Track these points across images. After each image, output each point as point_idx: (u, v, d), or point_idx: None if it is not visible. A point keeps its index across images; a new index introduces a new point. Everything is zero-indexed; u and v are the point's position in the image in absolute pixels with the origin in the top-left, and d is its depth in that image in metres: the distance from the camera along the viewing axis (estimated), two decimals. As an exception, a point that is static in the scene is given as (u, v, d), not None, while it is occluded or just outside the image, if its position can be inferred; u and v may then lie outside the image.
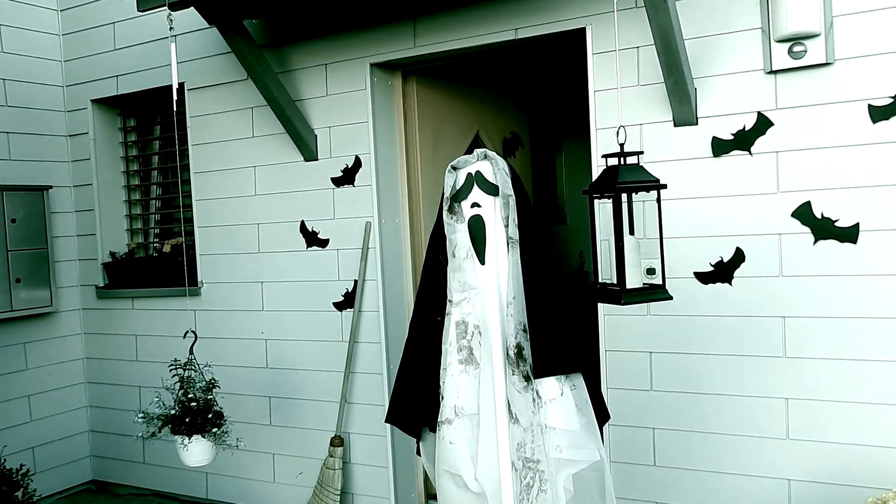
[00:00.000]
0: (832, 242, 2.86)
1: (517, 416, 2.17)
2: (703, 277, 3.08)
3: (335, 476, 3.80)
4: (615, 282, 2.28)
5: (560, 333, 2.21)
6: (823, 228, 2.87)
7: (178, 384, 3.24)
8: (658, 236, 2.32)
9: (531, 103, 5.05)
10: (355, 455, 3.94)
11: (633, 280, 2.29)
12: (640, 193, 2.39)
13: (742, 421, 3.05)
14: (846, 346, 2.86)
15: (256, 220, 4.16)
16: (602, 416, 2.34)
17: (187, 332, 3.34)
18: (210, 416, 3.29)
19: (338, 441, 3.85)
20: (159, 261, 4.60)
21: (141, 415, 3.24)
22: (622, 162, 2.27)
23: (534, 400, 2.17)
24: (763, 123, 2.95)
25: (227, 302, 4.29)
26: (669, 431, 3.19)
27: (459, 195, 2.27)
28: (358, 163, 3.83)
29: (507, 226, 2.24)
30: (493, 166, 2.26)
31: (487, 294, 2.24)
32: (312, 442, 4.04)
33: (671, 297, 2.29)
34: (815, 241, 2.89)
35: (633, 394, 3.25)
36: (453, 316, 2.29)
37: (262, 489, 4.24)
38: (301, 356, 4.08)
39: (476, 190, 2.26)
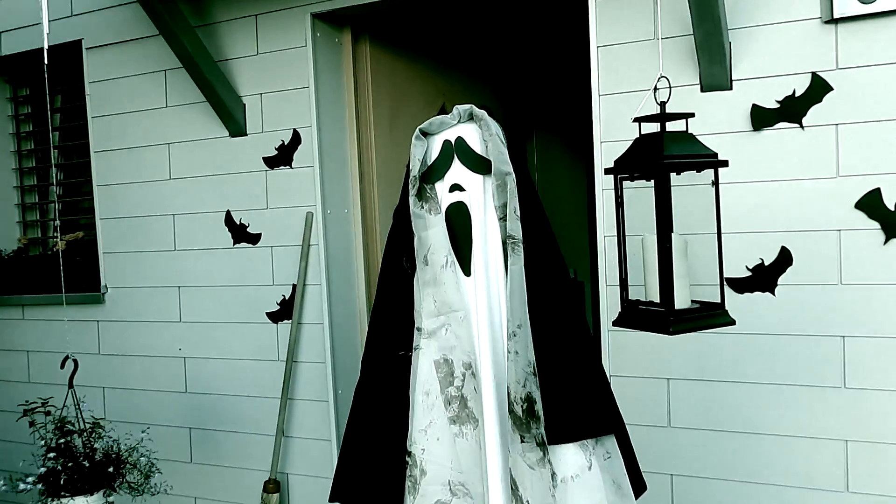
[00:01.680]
0: (910, 241, 2.22)
1: (528, 501, 1.46)
2: (738, 284, 2.41)
3: (270, 530, 3.05)
4: (656, 300, 1.59)
5: (585, 378, 1.51)
6: (898, 223, 2.23)
7: (46, 433, 2.45)
8: (716, 236, 1.64)
9: (503, 87, 4.35)
10: (296, 502, 3.20)
11: (683, 298, 1.61)
12: (682, 174, 1.71)
13: (786, 468, 2.40)
14: (926, 375, 2.23)
15: (172, 210, 3.37)
16: (638, 485, 1.66)
17: (65, 358, 2.55)
18: (110, 467, 2.51)
19: (273, 486, 3.10)
20: (55, 260, 3.76)
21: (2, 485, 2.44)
22: (664, 128, 1.58)
23: (553, 476, 1.47)
24: (819, 88, 2.28)
25: (137, 311, 3.50)
26: (691, 479, 2.53)
27: (433, 173, 1.56)
28: (296, 138, 3.08)
29: (503, 218, 1.54)
30: (482, 131, 1.55)
31: (477, 319, 1.53)
32: (243, 484, 3.28)
33: (734, 322, 1.61)
34: (887, 240, 2.24)
35: (646, 431, 2.56)
36: (427, 352, 1.57)
37: (182, 539, 3.47)
38: (228, 378, 3.31)
39: (457, 166, 1.55)
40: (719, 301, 1.63)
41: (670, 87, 1.60)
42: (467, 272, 1.55)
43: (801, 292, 2.35)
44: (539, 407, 1.46)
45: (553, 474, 1.47)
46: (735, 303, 2.42)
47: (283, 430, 3.15)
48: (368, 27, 3.22)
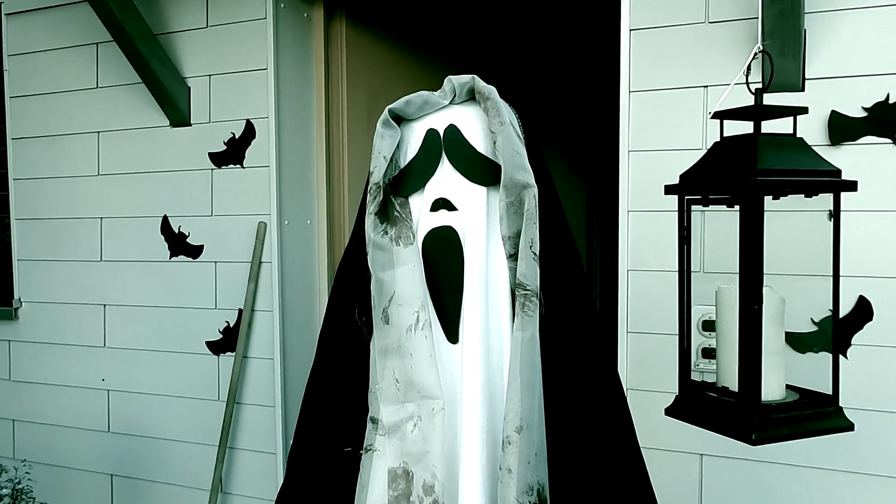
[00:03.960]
0: None
1: None
2: (800, 342, 1.87)
3: None
4: (733, 387, 1.06)
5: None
6: None
7: None
8: (831, 289, 1.10)
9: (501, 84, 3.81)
10: (232, 573, 2.63)
11: (773, 384, 1.08)
12: (786, 197, 1.17)
13: (854, 580, 1.86)
14: None
15: (99, 212, 2.79)
16: None
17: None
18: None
19: (203, 555, 2.53)
20: (-36, 264, 3.18)
21: None
22: (759, 129, 1.05)
23: None
24: (921, 92, 1.76)
25: (55, 331, 2.91)
26: (728, 585, 1.98)
27: (408, 180, 1.02)
28: (250, 131, 2.51)
29: (513, 256, 0.98)
30: (488, 117, 1.00)
31: (465, 414, 0.98)
32: (170, 547, 2.71)
33: (853, 427, 1.07)
34: None
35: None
36: (382, 456, 1.01)
37: None
38: (158, 418, 2.73)
39: (447, 170, 1.01)
40: (830, 392, 1.09)
41: (770, 60, 1.06)
42: (452, 338, 1.00)
43: (883, 355, 1.82)
44: None
45: None
46: (795, 364, 1.89)
47: (220, 486, 2.58)
48: (346, 2, 2.68)
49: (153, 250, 2.69)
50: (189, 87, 2.59)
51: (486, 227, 1.00)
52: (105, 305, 2.81)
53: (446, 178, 1.01)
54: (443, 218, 1.00)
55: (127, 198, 2.73)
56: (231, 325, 2.59)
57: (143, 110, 2.66)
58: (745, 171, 0.99)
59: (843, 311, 1.85)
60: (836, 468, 1.87)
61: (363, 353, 1.04)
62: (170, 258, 2.67)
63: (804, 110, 1.05)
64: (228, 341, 2.59)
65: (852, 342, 1.85)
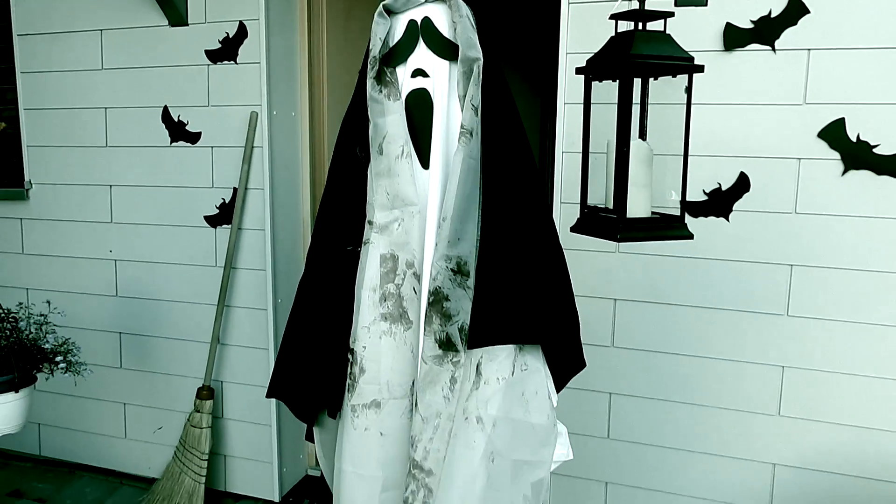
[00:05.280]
0: (866, 174, 2.21)
1: (417, 395, 1.42)
2: (694, 209, 2.38)
3: (202, 437, 2.97)
4: (611, 207, 1.54)
5: (521, 280, 1.44)
6: (857, 156, 2.21)
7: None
8: (682, 146, 1.58)
9: None
10: (230, 409, 3.12)
11: (639, 206, 1.55)
12: (659, 79, 1.64)
13: (727, 390, 2.43)
14: (867, 308, 2.25)
15: (104, 102, 3.14)
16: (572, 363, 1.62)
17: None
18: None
19: (206, 393, 3.01)
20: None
21: None
22: (641, 26, 1.49)
23: (453, 380, 1.41)
24: (795, 9, 2.22)
25: (65, 210, 3.29)
26: (632, 399, 2.54)
27: (395, 56, 1.45)
28: (242, 32, 2.87)
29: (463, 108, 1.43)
30: (451, 12, 1.43)
31: (431, 216, 1.44)
32: (175, 391, 3.19)
33: (692, 236, 1.57)
34: (845, 171, 2.23)
35: (589, 350, 2.55)
36: (376, 246, 1.49)
37: (111, 447, 3.37)
38: (161, 283, 3.17)
39: (422, 49, 1.44)
40: (679, 214, 1.58)
41: (651, -13, 1.49)
42: (425, 164, 1.45)
43: (755, 219, 2.34)
44: (453, 306, 1.38)
45: (479, 375, 1.42)
46: (690, 227, 2.40)
47: (218, 338, 3.05)
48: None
49: (155, 137, 3.07)
50: (186, -9, 2.92)
51: (449, 89, 1.44)
52: (111, 186, 3.19)
53: (422, 55, 1.44)
54: (419, 82, 1.44)
55: (130, 90, 3.08)
56: (226, 202, 3.00)
57: (145, 11, 2.99)
58: (624, 56, 1.44)
59: (727, 184, 2.35)
60: (721, 307, 2.41)
61: (361, 178, 1.49)
62: (170, 143, 3.05)
63: (671, 14, 1.50)
64: (225, 215, 3.01)
65: (733, 208, 2.36)
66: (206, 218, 3.04)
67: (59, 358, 2.38)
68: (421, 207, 1.44)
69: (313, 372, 1.57)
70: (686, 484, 2.52)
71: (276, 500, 3.10)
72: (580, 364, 1.65)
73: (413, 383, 1.47)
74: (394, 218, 1.46)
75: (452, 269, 1.40)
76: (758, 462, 2.43)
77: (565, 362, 1.61)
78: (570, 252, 2.49)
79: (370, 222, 1.48)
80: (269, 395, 1.65)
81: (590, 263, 2.50)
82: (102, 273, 3.26)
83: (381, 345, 1.47)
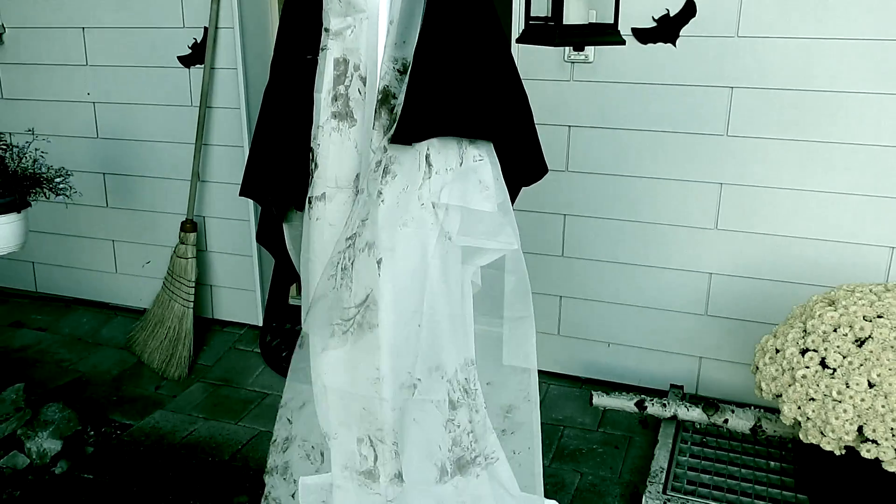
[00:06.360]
0: (804, -6, 2.33)
1: (365, 184, 1.59)
2: (643, 34, 2.50)
3: (187, 266, 3.19)
4: (549, 15, 1.67)
5: (462, 76, 1.56)
6: (797, -25, 2.32)
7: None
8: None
9: None
10: (212, 242, 3.33)
11: (576, 14, 1.69)
12: None
13: (671, 208, 2.65)
14: (802, 125, 2.43)
15: (70, -60, 3.15)
16: (535, 171, 1.78)
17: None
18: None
19: (190, 226, 3.21)
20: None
21: None
22: None
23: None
24: None
25: (40, 53, 3.35)
26: (583, 219, 2.76)
27: None
28: None
29: None
30: None
31: (382, 22, 1.57)
32: (160, 227, 3.38)
33: (624, 42, 1.72)
34: (785, -8, 2.34)
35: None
36: (331, 51, 1.62)
37: (103, 281, 3.60)
38: (140, 124, 3.29)
39: None
40: (612, 22, 1.71)
41: None
42: None
43: (699, 44, 2.47)
44: (396, 102, 1.50)
45: (429, 165, 1.57)
46: (638, 54, 2.54)
47: (198, 174, 3.21)
48: None
49: (123, -25, 3.10)
50: None
51: None
52: (83, 28, 3.24)
53: None
54: None
55: (94, -73, 3.08)
56: (198, 42, 3.07)
57: None
58: None
59: (675, 9, 2.46)
60: (669, 130, 2.58)
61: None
62: (139, -18, 3.08)
63: None
64: (197, 55, 3.09)
65: (680, 34, 2.48)
66: (180, 58, 3.13)
67: (58, 179, 2.56)
68: (370, 14, 1.56)
69: (280, 171, 1.74)
70: (632, 295, 2.78)
71: (259, 324, 3.36)
72: (540, 168, 1.77)
73: (357, 177, 1.65)
74: (346, 25, 1.58)
75: (398, 70, 1.54)
76: (696, 272, 2.68)
77: (522, 164, 1.74)
78: (526, 82, 2.64)
79: (326, 29, 1.61)
80: (241, 194, 1.83)
81: (544, 92, 2.64)
82: (82, 115, 3.37)
83: (331, 141, 1.64)
